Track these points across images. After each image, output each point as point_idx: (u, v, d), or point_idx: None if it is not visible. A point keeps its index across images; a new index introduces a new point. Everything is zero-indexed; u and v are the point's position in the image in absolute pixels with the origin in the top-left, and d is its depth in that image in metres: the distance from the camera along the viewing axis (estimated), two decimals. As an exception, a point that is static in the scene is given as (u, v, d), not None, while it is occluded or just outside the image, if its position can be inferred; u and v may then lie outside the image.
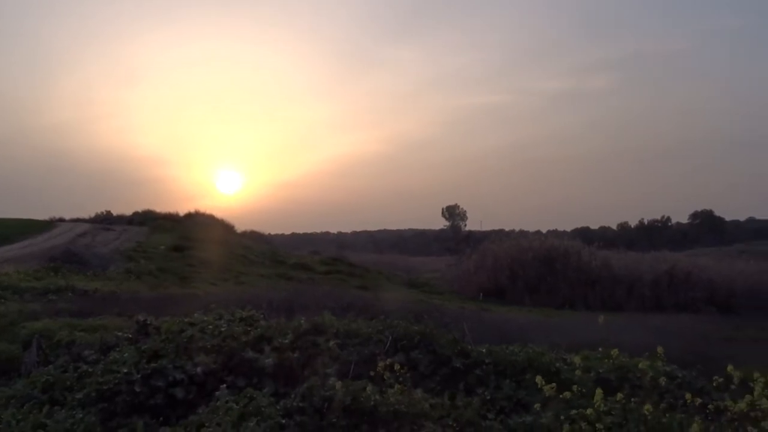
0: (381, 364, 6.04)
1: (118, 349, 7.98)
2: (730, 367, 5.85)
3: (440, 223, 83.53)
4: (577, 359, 6.97)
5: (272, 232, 67.24)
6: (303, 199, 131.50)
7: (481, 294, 34.09)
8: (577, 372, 7.08)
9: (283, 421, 5.33)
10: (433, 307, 16.64)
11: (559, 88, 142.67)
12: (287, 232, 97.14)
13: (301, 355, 7.29)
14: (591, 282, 34.26)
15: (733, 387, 5.73)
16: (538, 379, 5.10)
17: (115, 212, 50.43)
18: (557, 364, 7.44)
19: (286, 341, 7.52)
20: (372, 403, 5.57)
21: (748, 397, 5.46)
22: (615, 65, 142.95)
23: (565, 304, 31.70)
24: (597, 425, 4.69)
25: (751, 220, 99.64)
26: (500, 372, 7.24)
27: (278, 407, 5.58)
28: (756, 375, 5.61)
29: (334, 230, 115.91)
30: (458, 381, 7.06)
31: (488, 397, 6.44)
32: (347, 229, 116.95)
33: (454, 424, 5.59)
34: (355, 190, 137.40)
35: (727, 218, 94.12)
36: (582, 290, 33.72)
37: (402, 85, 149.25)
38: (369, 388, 5.71)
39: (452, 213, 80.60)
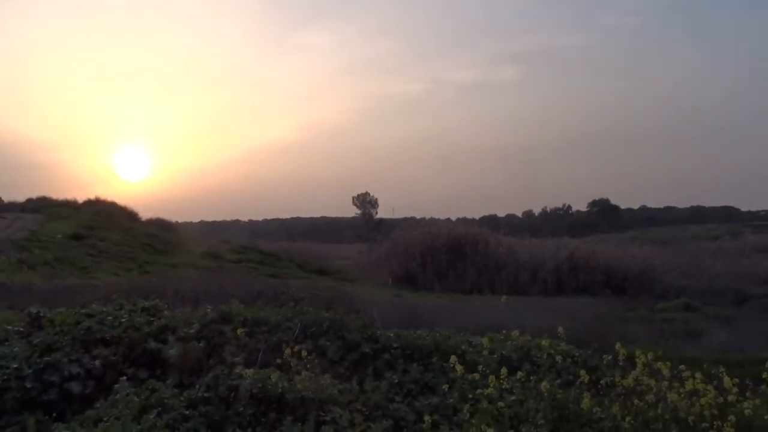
0: (287, 350, 5.99)
1: (7, 343, 7.48)
2: (618, 345, 6.23)
3: (353, 211, 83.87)
4: (484, 341, 7.21)
5: (180, 220, 64.90)
6: (213, 186, 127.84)
7: (391, 280, 34.60)
8: (485, 352, 7.32)
9: (187, 413, 5.19)
10: (343, 294, 16.69)
11: (469, 80, 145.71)
12: (196, 220, 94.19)
13: (207, 344, 7.12)
14: (497, 268, 35.50)
15: (620, 363, 6.13)
16: (453, 359, 5.24)
17: (6, 198, 47.18)
18: (463, 347, 7.65)
19: (192, 331, 7.32)
20: (279, 390, 5.52)
21: (633, 373, 5.85)
22: (522, 58, 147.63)
23: (473, 289, 32.68)
24: (498, 404, 4.87)
25: (643, 209, 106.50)
26: (408, 356, 7.37)
27: (182, 398, 5.43)
28: (638, 353, 6.02)
29: (245, 218, 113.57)
30: (367, 366, 7.12)
31: (396, 381, 6.53)
32: (259, 216, 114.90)
33: (363, 408, 5.63)
34: (267, 178, 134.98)
35: (622, 206, 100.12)
36: (489, 276, 34.87)
37: (316, 73, 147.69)
38: (276, 375, 5.66)
39: (363, 201, 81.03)
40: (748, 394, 5.93)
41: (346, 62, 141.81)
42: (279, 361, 6.26)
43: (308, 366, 5.94)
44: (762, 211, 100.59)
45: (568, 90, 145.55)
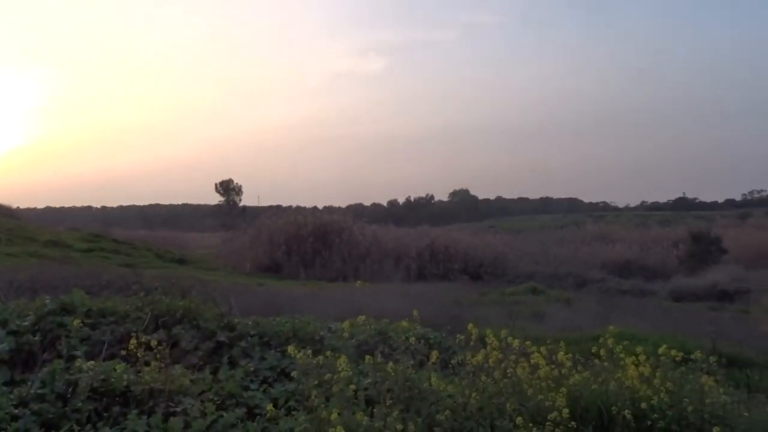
0: (133, 341, 5.66)
1: None
2: (470, 326, 6.56)
3: (216, 198, 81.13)
4: (344, 326, 7.28)
5: (21, 206, 59.15)
6: (60, 170, 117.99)
7: (249, 266, 34.00)
8: (344, 335, 7.40)
9: (17, 411, 4.75)
10: (200, 283, 16.13)
11: (336, 69, 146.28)
12: (40, 205, 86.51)
13: (44, 338, 6.55)
14: (362, 256, 36.08)
15: (472, 343, 6.46)
16: (290, 348, 5.22)
17: None
18: (322, 332, 7.67)
19: (26, 323, 6.70)
20: (125, 383, 5.21)
21: (482, 351, 6.18)
22: (388, 50, 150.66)
23: (338, 277, 32.97)
24: (350, 386, 4.92)
25: (499, 199, 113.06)
26: (266, 343, 7.26)
27: (11, 396, 4.95)
28: (488, 331, 6.38)
29: (97, 204, 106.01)
30: (222, 355, 6.93)
31: (252, 369, 6.41)
32: (113, 203, 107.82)
33: (215, 398, 5.47)
34: (122, 162, 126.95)
35: (481, 197, 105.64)
36: (354, 264, 35.34)
37: (180, 53, 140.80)
38: (122, 367, 5.34)
39: (227, 188, 78.67)
40: (579, 367, 6.50)
41: (213, 44, 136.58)
42: (124, 352, 5.91)
43: (158, 356, 5.66)
44: (601, 202, 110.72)
45: (432, 82, 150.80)
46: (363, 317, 7.33)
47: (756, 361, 11.03)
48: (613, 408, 5.68)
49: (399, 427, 4.64)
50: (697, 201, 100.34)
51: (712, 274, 30.66)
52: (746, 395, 8.08)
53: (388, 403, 5.21)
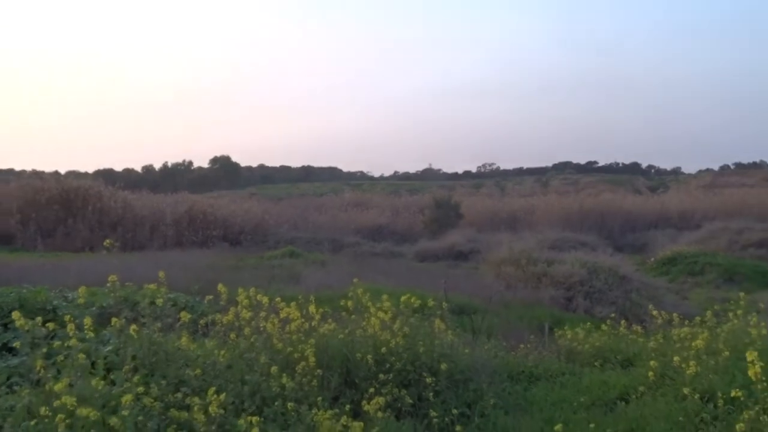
0: None
1: None
2: (220, 286, 6.49)
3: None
4: (81, 291, 6.66)
5: None
6: None
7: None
8: (80, 301, 6.79)
9: None
10: None
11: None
12: None
13: None
14: (113, 224, 33.38)
15: (222, 303, 6.41)
16: (15, 314, 4.66)
17: None
18: (55, 302, 6.96)
19: None
20: None
21: (232, 310, 6.18)
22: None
23: (85, 247, 30.04)
24: (80, 355, 4.55)
25: (261, 167, 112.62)
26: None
27: None
28: (240, 291, 6.39)
29: None
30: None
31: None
32: None
33: None
34: None
35: (243, 164, 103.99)
36: (104, 233, 32.46)
37: None
38: None
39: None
40: (329, 320, 6.85)
41: None
42: None
43: None
44: (359, 172, 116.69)
45: (184, 43, 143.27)
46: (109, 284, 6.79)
47: (480, 308, 12.67)
48: (358, 354, 6.11)
49: (140, 389, 4.43)
50: (441, 172, 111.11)
51: (451, 236, 34.18)
52: (471, 336, 9.28)
53: (130, 368, 4.96)
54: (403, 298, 7.13)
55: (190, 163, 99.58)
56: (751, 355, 3.49)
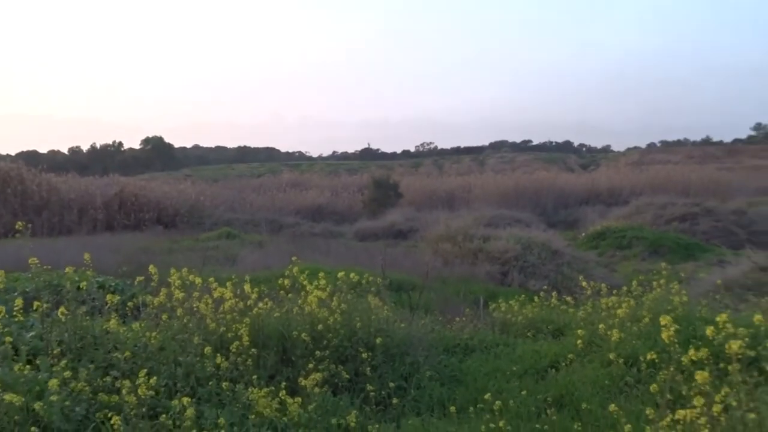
0: None
1: None
2: (151, 267, 6.32)
3: None
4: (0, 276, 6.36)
5: None
6: None
7: None
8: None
9: None
10: None
11: None
12: None
13: None
14: (38, 208, 31.92)
15: (153, 284, 6.25)
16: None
17: None
18: (-29, 289, 6.61)
19: None
20: None
21: (164, 291, 6.04)
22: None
23: (7, 233, 28.60)
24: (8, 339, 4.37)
25: (196, 147, 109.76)
26: None
27: None
28: (173, 270, 6.24)
29: None
30: None
31: None
32: None
33: None
34: None
35: (176, 145, 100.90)
36: (28, 217, 30.96)
37: None
38: None
39: None
40: (265, 299, 6.78)
41: None
42: None
43: None
44: (297, 152, 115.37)
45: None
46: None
47: (418, 284, 12.82)
48: (294, 332, 6.08)
49: (67, 374, 4.29)
50: (379, 152, 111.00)
51: (391, 215, 34.40)
52: (409, 312, 9.39)
53: (55, 353, 4.80)
54: (340, 275, 7.13)
55: (120, 144, 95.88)
56: (664, 320, 3.67)
